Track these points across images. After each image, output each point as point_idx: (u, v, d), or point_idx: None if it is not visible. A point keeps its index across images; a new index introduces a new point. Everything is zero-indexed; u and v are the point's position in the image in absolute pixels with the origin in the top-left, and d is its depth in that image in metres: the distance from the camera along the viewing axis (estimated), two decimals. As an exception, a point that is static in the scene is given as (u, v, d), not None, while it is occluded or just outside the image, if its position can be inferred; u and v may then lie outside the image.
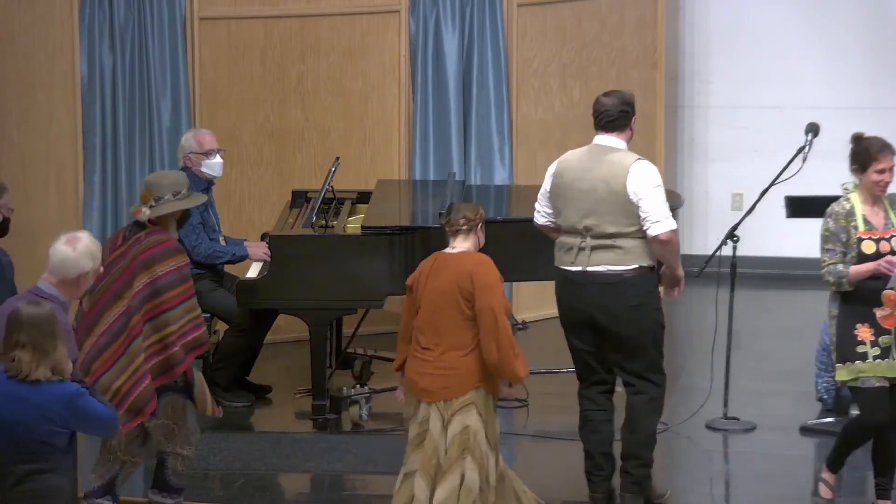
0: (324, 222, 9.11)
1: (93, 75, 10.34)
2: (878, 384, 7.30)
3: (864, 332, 7.34)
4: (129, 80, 10.42)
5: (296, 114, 10.30)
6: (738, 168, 11.88)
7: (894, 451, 7.72)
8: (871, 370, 7.31)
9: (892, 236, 7.43)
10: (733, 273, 8.95)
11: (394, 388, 8.94)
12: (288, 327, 10.11)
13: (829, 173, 9.27)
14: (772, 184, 8.83)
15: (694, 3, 12.26)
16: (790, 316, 11.08)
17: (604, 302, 7.58)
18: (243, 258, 9.57)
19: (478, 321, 7.20)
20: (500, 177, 10.80)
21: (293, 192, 9.94)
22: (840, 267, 7.63)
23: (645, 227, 7.64)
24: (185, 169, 8.91)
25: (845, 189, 7.81)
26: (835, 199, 8.44)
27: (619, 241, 7.72)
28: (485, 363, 7.29)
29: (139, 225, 7.68)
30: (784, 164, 8.89)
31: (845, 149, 10.02)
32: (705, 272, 9.08)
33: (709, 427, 8.81)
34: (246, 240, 9.73)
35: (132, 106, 10.41)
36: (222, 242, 9.54)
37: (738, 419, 8.82)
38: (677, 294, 8.22)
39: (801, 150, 8.85)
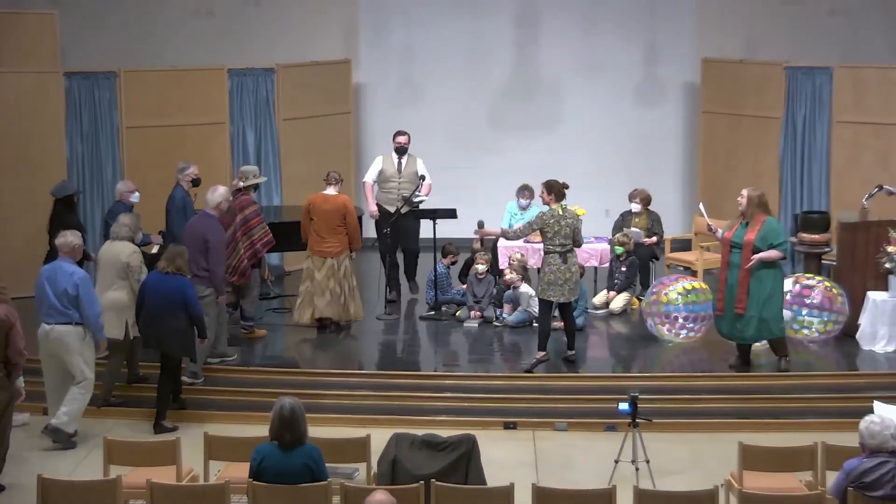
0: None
1: (72, 155, 13.76)
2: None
3: None
4: (90, 158, 13.94)
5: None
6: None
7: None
8: None
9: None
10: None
11: None
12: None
13: (439, 200, 13.46)
14: (412, 206, 12.88)
15: (365, 112, 15.89)
16: (425, 264, 13.74)
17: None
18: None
19: (347, 226, 11.50)
20: (276, 201, 14.41)
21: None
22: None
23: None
24: (119, 202, 12.01)
25: None
26: (443, 211, 12.50)
27: None
28: (348, 240, 11.49)
29: (238, 191, 11.43)
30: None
31: (454, 186, 14.12)
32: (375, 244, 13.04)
33: (378, 318, 12.74)
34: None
35: (92, 171, 13.93)
36: None
37: (390, 315, 12.76)
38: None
39: (418, 186, 12.95)
